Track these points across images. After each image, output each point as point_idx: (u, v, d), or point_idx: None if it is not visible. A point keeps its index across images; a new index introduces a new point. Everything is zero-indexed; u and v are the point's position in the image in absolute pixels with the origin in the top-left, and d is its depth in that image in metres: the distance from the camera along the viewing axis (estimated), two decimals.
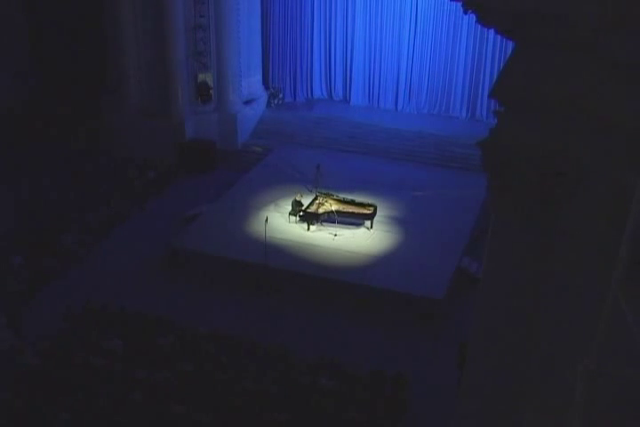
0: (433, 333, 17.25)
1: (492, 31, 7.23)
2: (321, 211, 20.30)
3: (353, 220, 20.44)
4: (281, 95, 28.15)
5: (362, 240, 19.91)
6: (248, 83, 26.61)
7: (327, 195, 20.76)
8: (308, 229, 20.19)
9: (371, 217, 20.27)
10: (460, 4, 6.56)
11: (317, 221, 20.24)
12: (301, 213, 20.37)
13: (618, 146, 5.76)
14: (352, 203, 20.55)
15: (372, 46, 27.21)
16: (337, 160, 24.09)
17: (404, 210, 21.40)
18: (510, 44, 7.16)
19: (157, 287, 18.66)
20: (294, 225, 20.45)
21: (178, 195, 23.40)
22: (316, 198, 20.78)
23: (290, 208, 20.69)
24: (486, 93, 23.41)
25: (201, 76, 25.20)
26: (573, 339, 6.71)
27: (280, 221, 20.52)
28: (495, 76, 8.29)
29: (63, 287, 18.62)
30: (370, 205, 20.47)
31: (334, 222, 20.25)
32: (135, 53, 24.70)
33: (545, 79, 6.39)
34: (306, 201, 20.72)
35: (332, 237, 19.87)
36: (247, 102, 26.67)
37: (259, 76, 27.52)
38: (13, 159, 24.25)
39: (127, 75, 24.96)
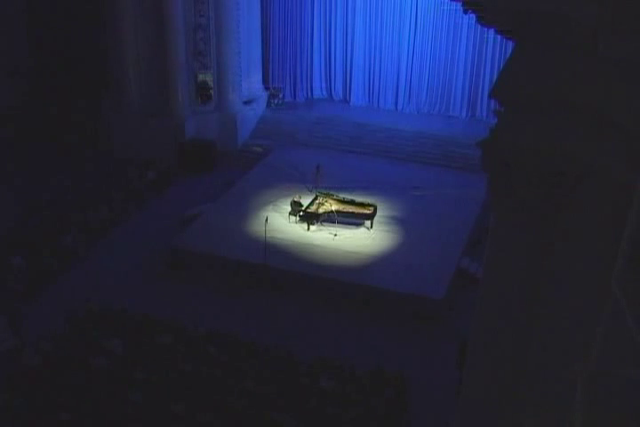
0: (433, 333, 17.24)
1: (491, 31, 7.23)
2: (321, 211, 20.29)
3: (353, 220, 20.43)
4: (281, 95, 28.12)
5: (362, 240, 19.90)
6: (248, 83, 26.59)
7: (327, 195, 20.76)
8: (308, 229, 20.19)
9: (371, 217, 20.27)
10: (460, 3, 6.57)
11: (317, 221, 20.24)
12: (301, 213, 20.37)
13: (618, 146, 5.76)
14: (352, 203, 20.55)
15: (372, 46, 27.20)
16: (337, 160, 24.08)
17: (403, 210, 21.40)
18: (510, 44, 7.15)
19: (157, 287, 18.66)
20: (294, 225, 20.44)
21: (178, 195, 23.39)
22: (315, 198, 20.77)
23: (289, 209, 20.69)
24: (486, 93, 23.41)
25: (201, 76, 25.20)
26: (573, 339, 6.71)
27: (280, 221, 20.52)
28: (495, 76, 8.29)
29: (63, 287, 18.62)
30: (370, 205, 20.47)
31: (334, 222, 20.25)
32: (135, 53, 24.68)
33: (545, 79, 6.39)
34: (305, 201, 20.72)
35: (332, 237, 19.87)
36: (247, 102, 26.66)
37: (259, 76, 27.51)
38: (13, 159, 24.26)
39: (127, 75, 24.94)
